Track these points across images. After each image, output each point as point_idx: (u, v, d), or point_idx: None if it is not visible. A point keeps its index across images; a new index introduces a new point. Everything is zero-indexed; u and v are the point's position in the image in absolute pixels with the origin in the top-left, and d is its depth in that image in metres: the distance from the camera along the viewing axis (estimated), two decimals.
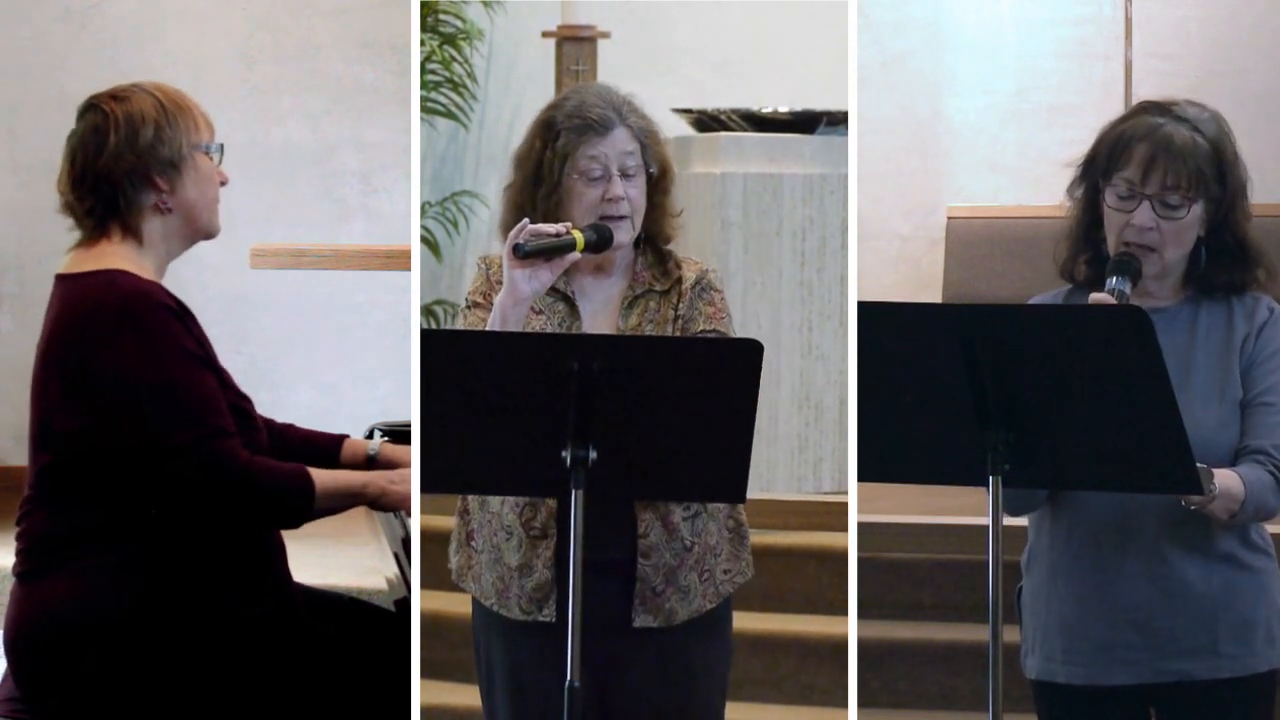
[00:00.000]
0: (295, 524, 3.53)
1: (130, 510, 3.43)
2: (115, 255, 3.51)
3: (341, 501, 3.55)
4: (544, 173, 3.51)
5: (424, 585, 4.17)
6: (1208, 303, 3.30)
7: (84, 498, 3.45)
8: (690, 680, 3.54)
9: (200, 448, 3.39)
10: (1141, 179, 3.23)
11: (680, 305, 3.54)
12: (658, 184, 3.56)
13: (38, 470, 3.51)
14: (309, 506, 3.49)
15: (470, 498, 3.57)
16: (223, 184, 3.63)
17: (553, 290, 3.52)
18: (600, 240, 3.47)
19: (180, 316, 3.48)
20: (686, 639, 3.53)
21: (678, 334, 3.51)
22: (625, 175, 3.50)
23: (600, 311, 3.56)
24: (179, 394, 3.40)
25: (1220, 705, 3.25)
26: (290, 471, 3.49)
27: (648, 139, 3.54)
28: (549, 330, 3.51)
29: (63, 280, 3.54)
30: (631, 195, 3.50)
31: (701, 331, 3.51)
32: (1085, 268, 3.33)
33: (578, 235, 3.43)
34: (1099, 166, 3.29)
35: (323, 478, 3.51)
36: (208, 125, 3.63)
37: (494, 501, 3.52)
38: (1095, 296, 3.18)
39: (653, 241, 3.58)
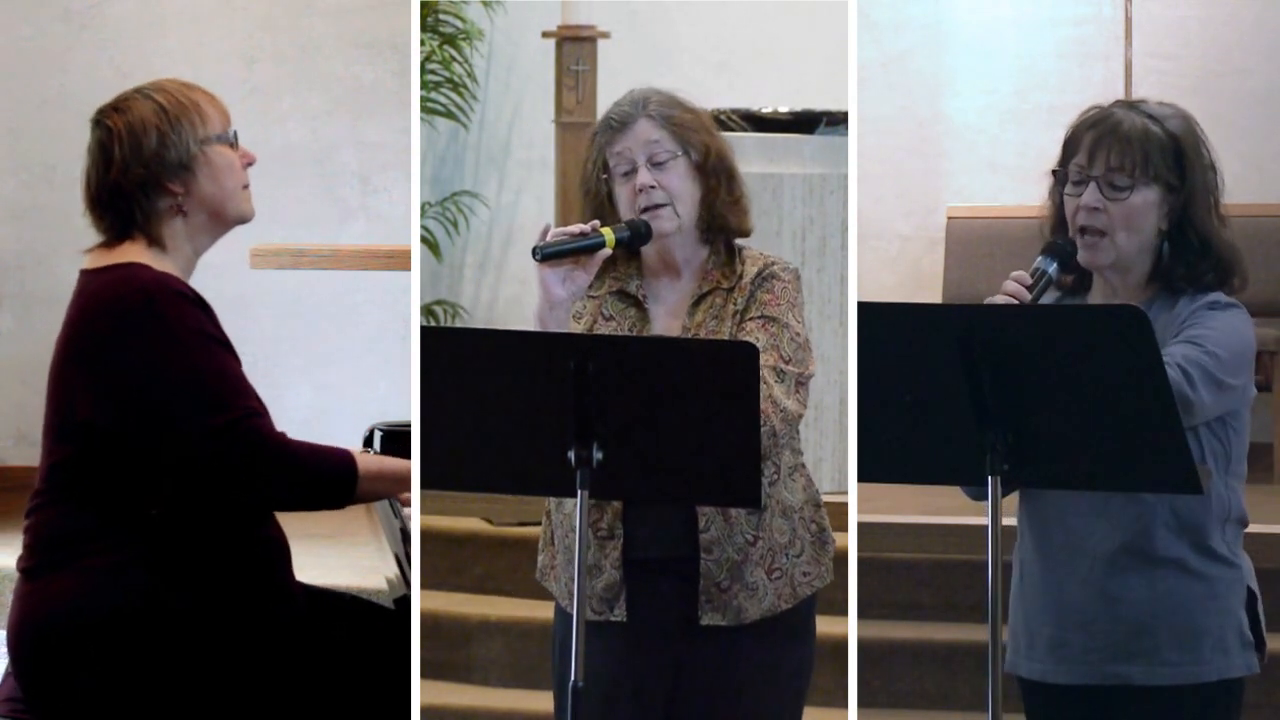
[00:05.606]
0: (337, 505, 3.50)
1: (141, 510, 3.43)
2: (137, 255, 3.51)
3: (387, 486, 3.54)
4: (588, 181, 3.53)
5: (424, 585, 4.18)
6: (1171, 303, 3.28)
7: (97, 495, 3.45)
8: (762, 684, 3.48)
9: (233, 429, 3.37)
10: (1089, 161, 3.23)
11: (739, 299, 3.50)
12: (705, 169, 3.51)
13: (52, 464, 3.50)
14: (351, 489, 3.47)
15: (549, 501, 3.57)
16: (249, 164, 3.61)
17: (625, 295, 3.53)
18: (635, 235, 3.44)
19: (201, 305, 3.47)
20: (759, 640, 3.48)
21: (735, 329, 3.48)
22: (655, 164, 3.47)
23: (669, 313, 3.54)
24: (206, 379, 3.39)
25: (1164, 712, 3.21)
26: (331, 452, 3.48)
27: (676, 125, 3.49)
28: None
29: (84, 275, 3.54)
30: (664, 181, 3.47)
31: (752, 319, 3.47)
32: None
33: (607, 233, 3.41)
34: (1061, 164, 3.29)
35: (366, 461, 3.50)
36: (219, 114, 3.59)
37: (568, 503, 3.49)
38: (1014, 275, 3.18)
39: (723, 235, 3.54)
